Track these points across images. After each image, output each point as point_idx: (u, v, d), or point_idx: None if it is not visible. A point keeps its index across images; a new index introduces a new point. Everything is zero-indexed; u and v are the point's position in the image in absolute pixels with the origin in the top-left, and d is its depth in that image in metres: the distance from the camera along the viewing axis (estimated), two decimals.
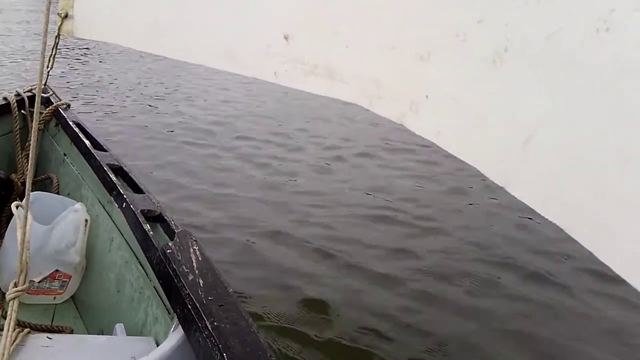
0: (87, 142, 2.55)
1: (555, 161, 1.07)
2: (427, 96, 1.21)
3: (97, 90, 8.00)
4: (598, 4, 0.99)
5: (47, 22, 1.78)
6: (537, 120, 1.09)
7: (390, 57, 1.31)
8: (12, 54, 9.60)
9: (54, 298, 2.24)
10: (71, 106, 3.05)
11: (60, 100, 3.06)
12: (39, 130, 2.93)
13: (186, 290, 1.53)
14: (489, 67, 1.13)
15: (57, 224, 2.14)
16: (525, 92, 1.11)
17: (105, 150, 2.49)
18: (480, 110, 1.15)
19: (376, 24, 1.37)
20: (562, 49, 1.04)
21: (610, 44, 0.98)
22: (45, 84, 3.10)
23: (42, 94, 2.98)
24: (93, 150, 2.46)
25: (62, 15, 2.65)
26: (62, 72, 8.53)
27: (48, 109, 2.94)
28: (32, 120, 2.63)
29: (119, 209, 2.05)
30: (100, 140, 2.60)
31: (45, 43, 1.79)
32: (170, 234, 1.85)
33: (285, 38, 1.65)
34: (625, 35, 0.97)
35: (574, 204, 1.05)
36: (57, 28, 2.74)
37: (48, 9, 1.74)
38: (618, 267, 0.97)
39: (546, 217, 1.09)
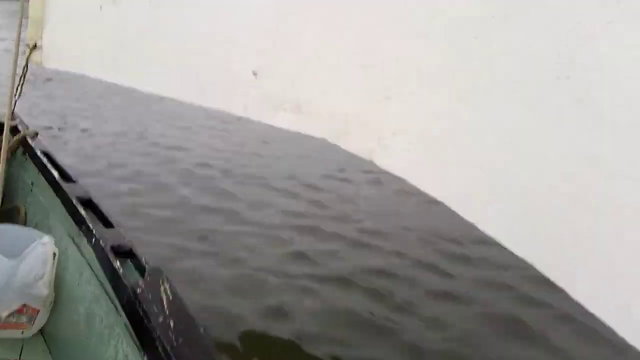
0: (55, 172, 2.52)
1: (523, 197, 1.09)
2: (393, 133, 1.24)
3: None
4: (558, 49, 1.03)
5: (17, 52, 1.78)
6: (503, 157, 1.12)
7: (357, 92, 1.34)
8: None
9: (22, 332, 2.19)
10: (39, 134, 3.02)
11: (28, 128, 3.02)
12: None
13: (157, 332, 1.51)
14: (456, 105, 1.16)
15: (24, 259, 2.09)
16: (491, 129, 1.14)
17: (73, 182, 2.46)
18: (448, 147, 1.18)
19: (342, 59, 1.39)
20: (525, 91, 1.07)
21: (571, 90, 1.01)
22: (12, 112, 3.06)
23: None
24: (61, 182, 2.42)
25: (31, 45, 2.63)
26: None
27: (15, 137, 2.89)
28: None
29: (88, 244, 2.03)
30: (69, 170, 2.57)
31: (14, 75, 1.80)
32: (141, 270, 1.82)
33: (254, 74, 1.66)
34: (585, 81, 1.00)
35: (543, 240, 1.07)
36: (25, 58, 2.71)
37: (18, 42, 1.75)
38: (592, 304, 0.98)
39: (516, 253, 1.10)
